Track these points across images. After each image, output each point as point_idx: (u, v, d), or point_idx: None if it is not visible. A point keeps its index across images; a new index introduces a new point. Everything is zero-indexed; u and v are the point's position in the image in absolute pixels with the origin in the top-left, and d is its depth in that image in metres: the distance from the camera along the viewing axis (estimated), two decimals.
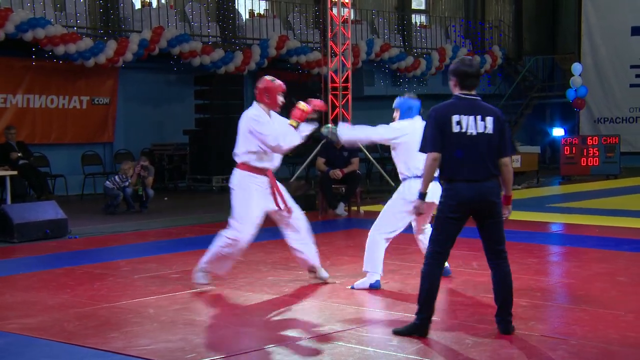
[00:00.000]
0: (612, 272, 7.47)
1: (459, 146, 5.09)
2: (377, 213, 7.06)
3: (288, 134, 6.66)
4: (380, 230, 6.81)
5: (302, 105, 6.77)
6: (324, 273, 7.13)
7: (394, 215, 6.77)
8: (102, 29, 16.79)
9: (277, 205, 6.77)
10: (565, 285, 7.10)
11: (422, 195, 5.25)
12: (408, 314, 6.02)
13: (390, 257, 8.41)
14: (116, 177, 13.30)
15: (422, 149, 5.26)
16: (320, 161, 12.42)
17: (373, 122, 7.02)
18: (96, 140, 16.78)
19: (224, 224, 7.02)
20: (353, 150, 12.45)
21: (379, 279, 6.81)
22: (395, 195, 6.86)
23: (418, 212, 5.35)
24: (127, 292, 6.88)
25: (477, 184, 5.11)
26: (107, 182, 13.28)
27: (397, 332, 5.32)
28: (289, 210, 6.82)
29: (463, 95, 5.20)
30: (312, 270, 7.14)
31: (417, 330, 5.22)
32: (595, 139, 18.67)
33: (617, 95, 22.50)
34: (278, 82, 6.81)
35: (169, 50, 16.38)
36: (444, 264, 5.26)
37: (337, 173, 12.12)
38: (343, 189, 12.27)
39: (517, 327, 5.34)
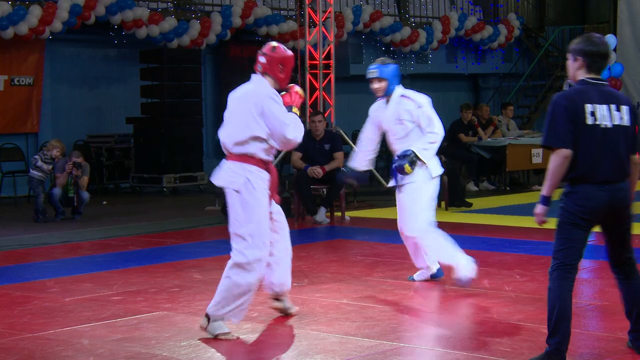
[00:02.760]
0: None
1: (592, 141, 5.24)
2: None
3: (300, 124, 6.38)
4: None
5: (299, 89, 6.57)
6: (290, 305, 6.82)
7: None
8: None
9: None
10: (597, 309, 7.14)
11: (547, 200, 5.36)
12: (403, 343, 6.04)
13: (382, 274, 8.43)
14: (36, 156, 13.25)
15: (549, 143, 5.30)
16: (296, 156, 12.41)
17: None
18: (16, 130, 16.68)
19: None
20: (336, 142, 12.47)
21: (439, 266, 7.88)
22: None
23: (540, 220, 5.44)
24: (55, 319, 6.85)
25: (612, 186, 5.28)
26: (32, 170, 13.22)
27: None
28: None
29: (592, 80, 5.35)
30: (279, 297, 6.76)
31: (551, 359, 5.27)
32: (636, 128, 18.73)
33: None
34: (290, 52, 6.58)
35: (107, 18, 16.32)
36: (574, 279, 5.37)
37: (316, 171, 12.14)
38: (324, 190, 12.29)
39: None
